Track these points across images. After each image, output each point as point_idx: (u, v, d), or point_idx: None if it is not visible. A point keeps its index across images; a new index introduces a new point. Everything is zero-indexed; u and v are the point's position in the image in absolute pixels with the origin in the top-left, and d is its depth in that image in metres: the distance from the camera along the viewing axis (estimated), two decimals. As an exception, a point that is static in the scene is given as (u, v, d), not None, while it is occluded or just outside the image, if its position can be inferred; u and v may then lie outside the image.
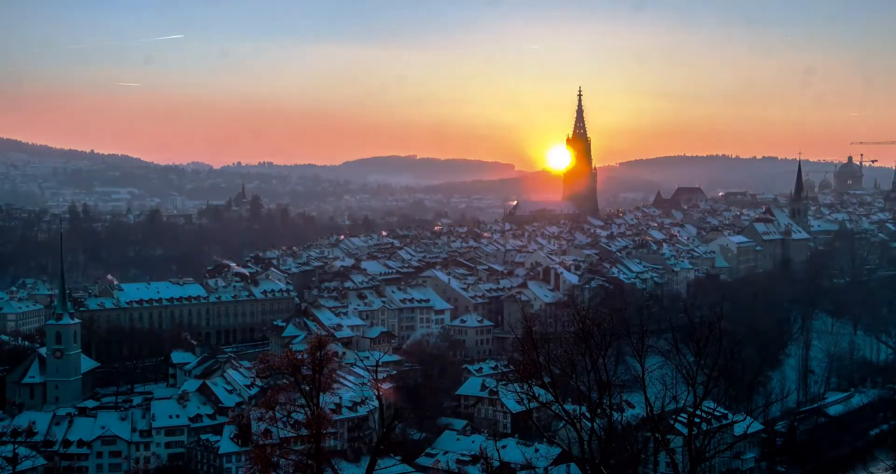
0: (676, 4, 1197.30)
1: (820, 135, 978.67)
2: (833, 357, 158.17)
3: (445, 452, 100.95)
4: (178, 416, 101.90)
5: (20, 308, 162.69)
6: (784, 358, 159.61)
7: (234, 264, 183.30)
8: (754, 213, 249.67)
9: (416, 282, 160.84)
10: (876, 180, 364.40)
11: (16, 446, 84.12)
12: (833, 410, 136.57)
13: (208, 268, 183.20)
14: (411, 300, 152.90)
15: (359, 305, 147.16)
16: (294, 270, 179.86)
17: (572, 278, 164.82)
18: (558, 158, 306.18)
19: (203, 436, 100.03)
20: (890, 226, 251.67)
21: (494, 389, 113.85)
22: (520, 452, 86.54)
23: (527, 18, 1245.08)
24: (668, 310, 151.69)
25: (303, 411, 39.64)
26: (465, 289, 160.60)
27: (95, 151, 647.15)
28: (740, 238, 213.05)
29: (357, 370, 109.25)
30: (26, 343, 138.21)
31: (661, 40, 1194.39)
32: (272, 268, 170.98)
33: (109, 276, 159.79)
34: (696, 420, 36.92)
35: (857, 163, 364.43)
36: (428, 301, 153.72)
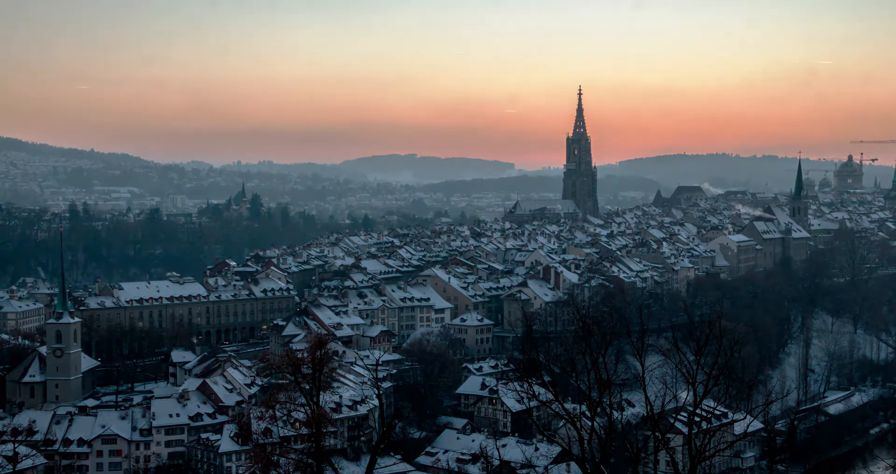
0: (677, 3, 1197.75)
1: (820, 134, 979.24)
2: (833, 355, 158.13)
3: (445, 451, 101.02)
4: (178, 415, 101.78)
5: (20, 307, 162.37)
6: (784, 356, 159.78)
7: (234, 263, 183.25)
8: (754, 212, 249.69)
9: (417, 280, 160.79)
10: (876, 179, 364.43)
11: (16, 445, 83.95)
12: (833, 409, 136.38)
13: (208, 266, 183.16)
14: (411, 299, 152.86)
15: (359, 304, 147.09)
16: (294, 269, 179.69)
17: (572, 277, 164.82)
18: (558, 157, 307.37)
19: (203, 435, 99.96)
20: (890, 224, 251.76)
21: (494, 388, 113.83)
22: (520, 451, 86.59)
23: (527, 17, 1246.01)
24: (668, 308, 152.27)
25: (303, 410, 39.70)
26: (465, 288, 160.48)
27: (95, 150, 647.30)
28: (740, 237, 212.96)
29: (357, 369, 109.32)
30: (26, 342, 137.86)
31: (661, 39, 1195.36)
32: (272, 267, 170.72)
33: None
34: (696, 419, 36.93)
35: (857, 161, 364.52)
36: (428, 300, 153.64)
